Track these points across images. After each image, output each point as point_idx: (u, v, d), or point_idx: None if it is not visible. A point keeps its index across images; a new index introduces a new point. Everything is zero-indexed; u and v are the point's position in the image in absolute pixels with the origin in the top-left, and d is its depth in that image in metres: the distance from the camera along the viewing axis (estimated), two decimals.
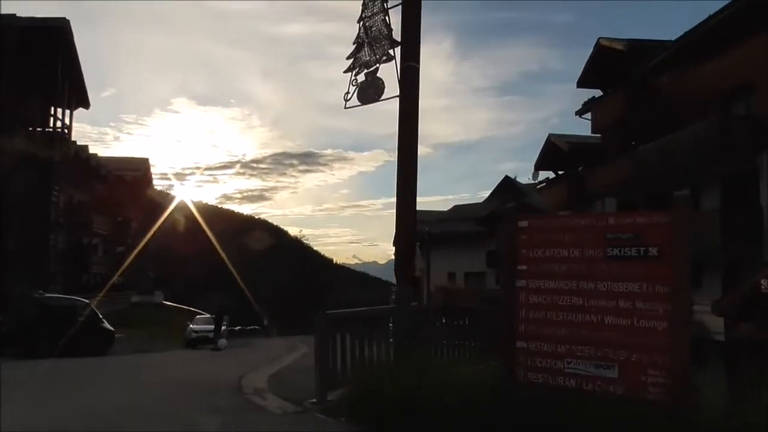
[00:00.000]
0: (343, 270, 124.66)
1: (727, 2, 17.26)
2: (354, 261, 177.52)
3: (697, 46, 18.94)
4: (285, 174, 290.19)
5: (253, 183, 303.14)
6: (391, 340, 7.77)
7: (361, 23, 8.37)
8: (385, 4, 8.13)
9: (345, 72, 8.42)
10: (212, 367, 13.68)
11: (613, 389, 5.16)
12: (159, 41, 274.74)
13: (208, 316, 32.39)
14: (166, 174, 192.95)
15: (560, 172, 31.28)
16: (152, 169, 51.43)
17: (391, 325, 7.99)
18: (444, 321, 9.53)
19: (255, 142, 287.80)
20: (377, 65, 8.08)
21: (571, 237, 5.67)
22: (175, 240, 52.68)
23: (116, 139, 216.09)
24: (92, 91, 32.46)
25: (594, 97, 26.20)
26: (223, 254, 45.14)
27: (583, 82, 26.13)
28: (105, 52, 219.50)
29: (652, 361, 5.04)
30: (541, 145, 30.77)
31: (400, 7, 7.95)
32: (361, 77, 8.26)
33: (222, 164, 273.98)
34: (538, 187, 34.52)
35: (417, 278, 47.37)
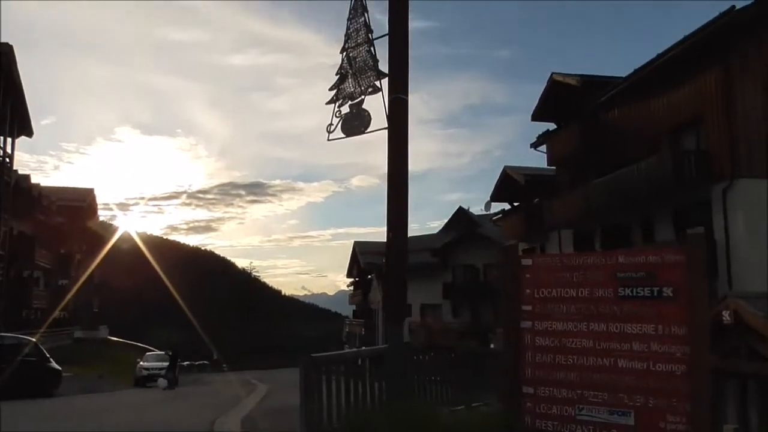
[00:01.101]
0: (292, 302, 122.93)
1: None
2: (303, 292, 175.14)
3: (648, 82, 19.53)
4: (232, 204, 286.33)
5: (200, 213, 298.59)
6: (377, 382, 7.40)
7: (344, 54, 8.09)
8: (370, 35, 7.89)
9: (327, 103, 8.10)
10: (175, 410, 12.85)
11: None
12: (102, 69, 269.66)
13: (160, 353, 31.07)
14: (108, 204, 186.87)
15: (516, 204, 31.57)
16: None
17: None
18: (428, 360, 9.19)
19: (201, 173, 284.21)
20: (362, 97, 7.79)
21: (579, 276, 5.48)
22: (120, 273, 50.70)
23: (56, 168, 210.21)
24: (32, 119, 31.23)
25: (548, 130, 26.60)
26: (171, 287, 43.56)
27: (537, 116, 26.47)
28: (45, 79, 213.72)
29: (671, 406, 4.86)
30: (486, 176, 31.61)
31: (385, 38, 7.72)
32: (345, 108, 7.97)
33: (167, 194, 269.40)
34: (494, 218, 34.76)
35: (372, 311, 46.99)
